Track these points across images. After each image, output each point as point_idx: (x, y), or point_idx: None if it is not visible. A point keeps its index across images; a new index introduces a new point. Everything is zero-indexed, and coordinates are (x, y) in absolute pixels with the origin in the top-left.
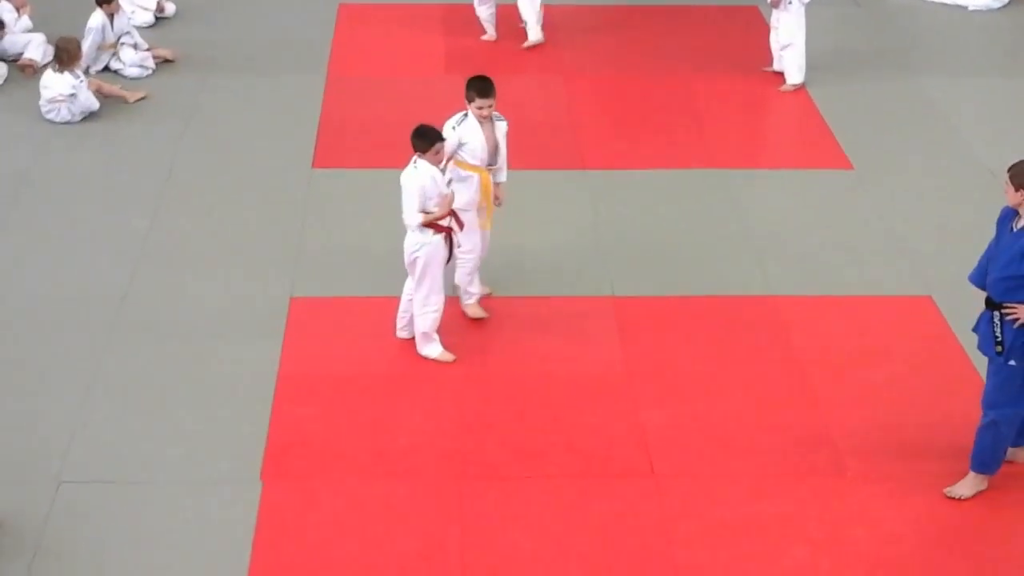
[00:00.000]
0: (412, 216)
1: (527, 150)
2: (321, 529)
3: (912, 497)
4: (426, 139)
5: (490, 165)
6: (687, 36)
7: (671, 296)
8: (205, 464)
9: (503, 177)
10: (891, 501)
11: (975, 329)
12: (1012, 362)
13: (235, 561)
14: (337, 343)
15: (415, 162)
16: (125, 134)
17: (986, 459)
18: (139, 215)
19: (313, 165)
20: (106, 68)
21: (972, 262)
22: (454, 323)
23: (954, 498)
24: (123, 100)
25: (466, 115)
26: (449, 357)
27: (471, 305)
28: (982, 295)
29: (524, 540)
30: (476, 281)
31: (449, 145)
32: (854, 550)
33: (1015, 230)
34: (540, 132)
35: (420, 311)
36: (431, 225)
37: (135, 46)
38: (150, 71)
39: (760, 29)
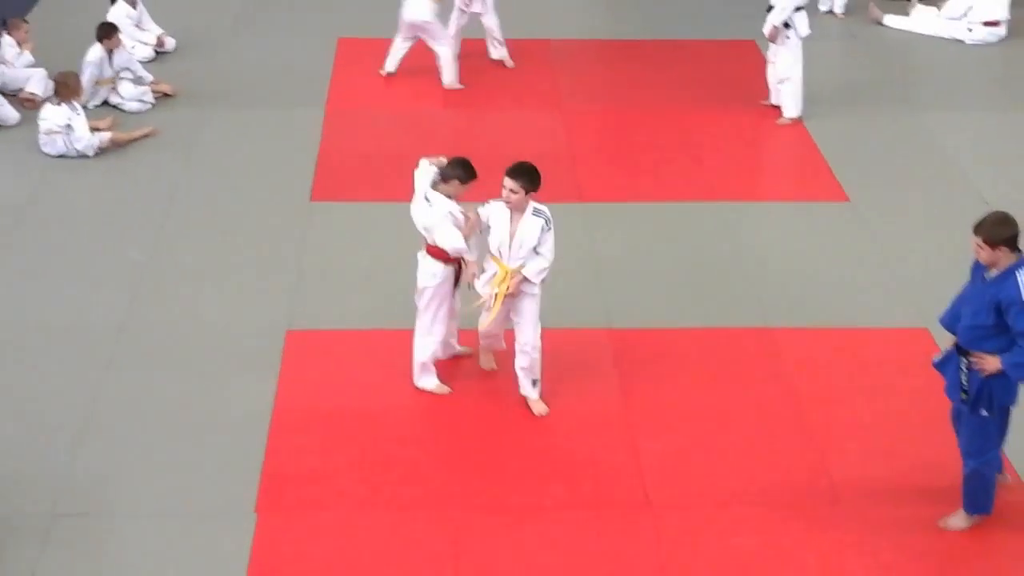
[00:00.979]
0: (457, 239)
1: None
2: (315, 563)
3: (908, 529)
4: (467, 172)
5: (508, 261)
6: (685, 70)
7: (668, 328)
8: (200, 497)
9: (530, 271)
10: (887, 533)
11: (939, 367)
12: (984, 412)
13: None
14: (333, 376)
15: (427, 197)
16: (124, 167)
17: (979, 502)
18: (137, 247)
19: (311, 198)
20: (105, 103)
21: None
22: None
23: (949, 530)
24: (140, 139)
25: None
26: (445, 390)
27: (482, 358)
28: None
29: (520, 573)
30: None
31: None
32: None
33: (987, 280)
34: (538, 165)
35: (420, 341)
36: (440, 256)
37: (137, 80)
38: (150, 105)
39: (757, 63)
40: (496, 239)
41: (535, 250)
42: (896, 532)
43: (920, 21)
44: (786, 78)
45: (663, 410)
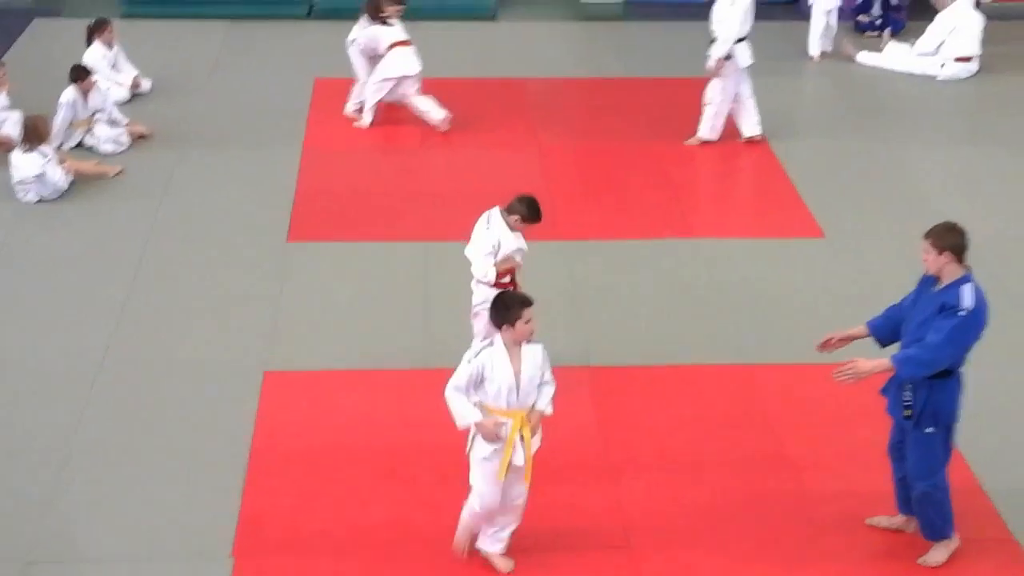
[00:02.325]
0: (482, 267)
1: None
2: None
3: (891, 565)
4: (530, 212)
5: (520, 406)
6: (661, 108)
7: (646, 365)
8: (177, 540)
9: (544, 402)
10: (869, 570)
11: (884, 391)
12: (929, 429)
13: None
14: (311, 416)
15: (488, 219)
16: (100, 209)
17: (937, 526)
18: (115, 290)
19: (288, 239)
20: (80, 144)
21: None
22: (426, 395)
23: (929, 566)
24: (103, 176)
25: (491, 343)
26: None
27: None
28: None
29: None
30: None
31: (470, 376)
32: None
33: (934, 291)
34: None
35: None
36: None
37: (112, 122)
38: (125, 147)
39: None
40: (497, 387)
41: (542, 378)
42: (880, 569)
43: (893, 58)
44: (709, 102)
45: (643, 449)
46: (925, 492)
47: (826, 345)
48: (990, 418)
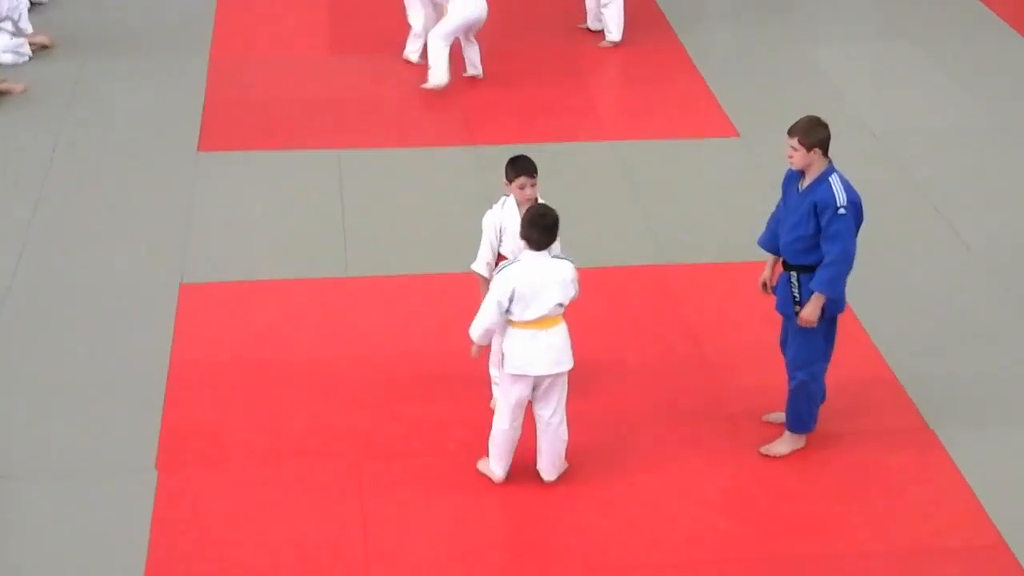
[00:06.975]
0: (479, 261)
1: (415, 128)
2: (219, 517)
3: (807, 454)
4: (508, 167)
5: None
6: (573, 9)
7: None
8: (98, 456)
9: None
10: (787, 460)
11: (775, 290)
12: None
13: (132, 551)
14: (229, 328)
15: (503, 201)
16: (2, 122)
17: (803, 418)
18: (21, 207)
19: (198, 148)
20: None
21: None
22: (345, 303)
23: (771, 456)
24: (9, 93)
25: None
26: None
27: None
28: (870, 260)
29: (425, 515)
30: None
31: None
32: (750, 509)
33: (801, 190)
34: (428, 108)
35: None
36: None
37: (16, 32)
38: (26, 58)
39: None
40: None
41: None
42: (796, 459)
43: None
44: (608, 2)
45: None
46: (802, 382)
47: (766, 288)
48: (907, 305)
